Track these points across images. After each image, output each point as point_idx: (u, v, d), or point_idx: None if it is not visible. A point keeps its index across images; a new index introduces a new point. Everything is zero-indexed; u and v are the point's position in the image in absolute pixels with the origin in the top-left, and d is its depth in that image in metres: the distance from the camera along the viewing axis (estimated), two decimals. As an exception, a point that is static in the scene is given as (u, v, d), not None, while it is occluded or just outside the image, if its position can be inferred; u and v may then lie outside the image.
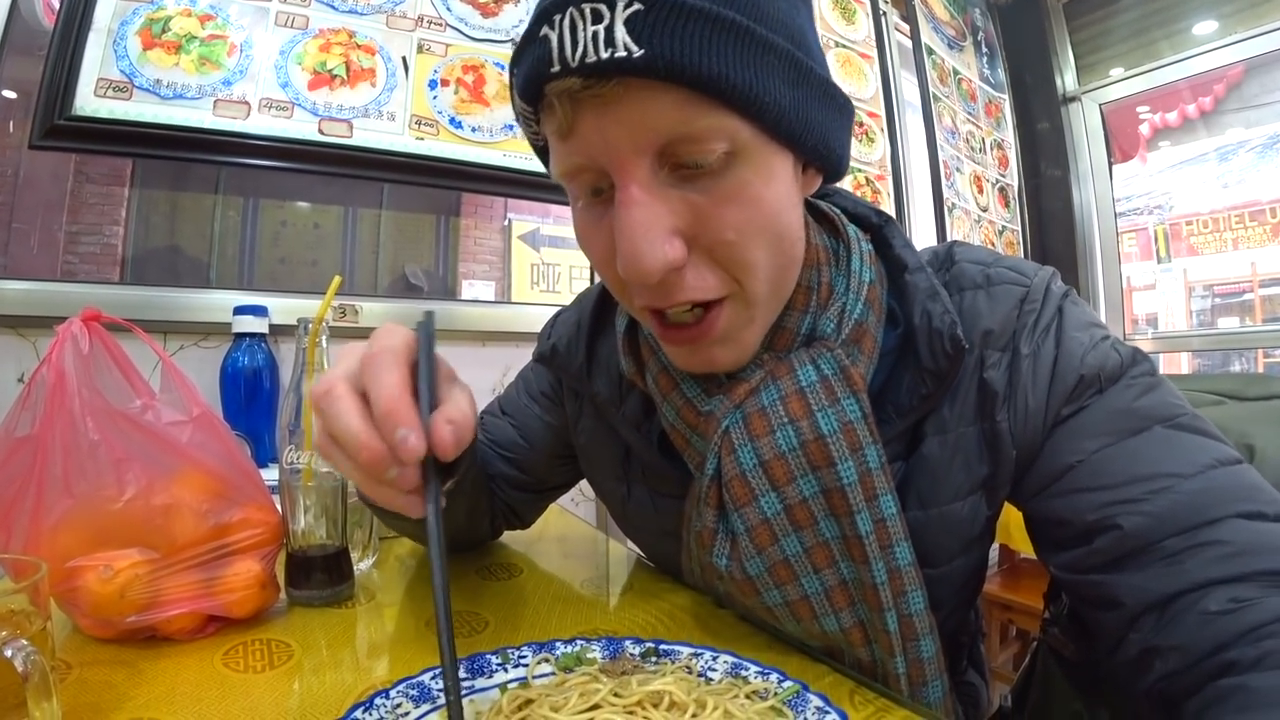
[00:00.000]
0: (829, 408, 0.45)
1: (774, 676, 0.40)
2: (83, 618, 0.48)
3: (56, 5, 1.07)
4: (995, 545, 1.89)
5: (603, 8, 0.36)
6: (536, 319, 1.39)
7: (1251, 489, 0.41)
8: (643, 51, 0.35)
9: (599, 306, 0.62)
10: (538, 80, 0.39)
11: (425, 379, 0.37)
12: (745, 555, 0.46)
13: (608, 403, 0.59)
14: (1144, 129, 2.81)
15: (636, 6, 0.35)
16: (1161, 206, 3.35)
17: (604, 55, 0.35)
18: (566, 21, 0.36)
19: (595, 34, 0.36)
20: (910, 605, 0.45)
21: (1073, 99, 2.65)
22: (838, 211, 0.55)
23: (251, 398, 1.02)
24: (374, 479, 0.36)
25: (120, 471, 0.48)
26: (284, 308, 1.10)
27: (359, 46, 1.25)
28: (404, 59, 1.29)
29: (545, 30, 0.37)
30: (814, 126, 0.42)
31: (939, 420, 0.49)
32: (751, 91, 0.38)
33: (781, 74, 0.40)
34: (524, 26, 1.37)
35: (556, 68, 0.37)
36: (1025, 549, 0.54)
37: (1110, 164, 2.63)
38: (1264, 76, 2.63)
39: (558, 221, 1.60)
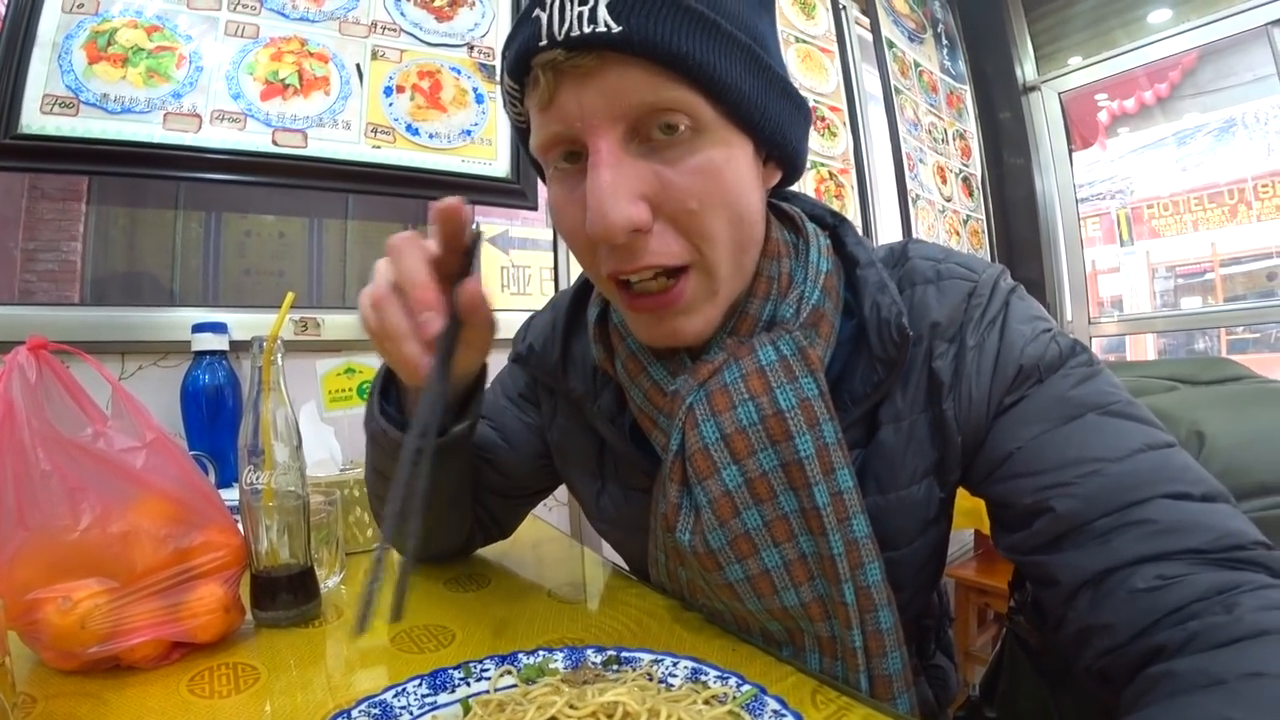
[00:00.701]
0: (787, 385, 0.48)
1: (733, 681, 0.40)
2: (45, 650, 0.48)
3: (2, 10, 1.04)
4: (970, 530, 1.92)
5: None
6: (506, 323, 1.39)
7: (1180, 470, 0.43)
8: (620, 29, 0.40)
9: (573, 307, 0.64)
10: (526, 55, 0.43)
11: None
12: (708, 528, 0.48)
13: (583, 398, 0.61)
14: (1103, 116, 2.87)
15: None
16: (1123, 191, 3.42)
17: (586, 30, 0.40)
18: (557, 3, 0.41)
19: (580, 13, 0.40)
20: (867, 577, 0.47)
21: (1033, 88, 2.70)
22: (797, 210, 0.58)
23: (214, 416, 1.00)
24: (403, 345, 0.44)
25: (75, 501, 0.48)
26: (245, 323, 1.08)
27: (311, 54, 1.22)
28: (358, 66, 1.26)
29: (538, 11, 0.42)
30: (771, 116, 0.46)
31: (893, 409, 0.51)
32: (715, 71, 0.42)
33: (742, 63, 0.44)
34: (480, 29, 1.35)
35: (544, 41, 0.41)
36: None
37: (1071, 151, 2.69)
38: (1218, 63, 2.70)
39: (526, 224, 1.59)
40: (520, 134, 0.51)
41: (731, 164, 0.45)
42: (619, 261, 0.46)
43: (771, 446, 0.47)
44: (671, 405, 0.51)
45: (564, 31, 0.40)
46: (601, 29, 0.40)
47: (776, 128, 0.47)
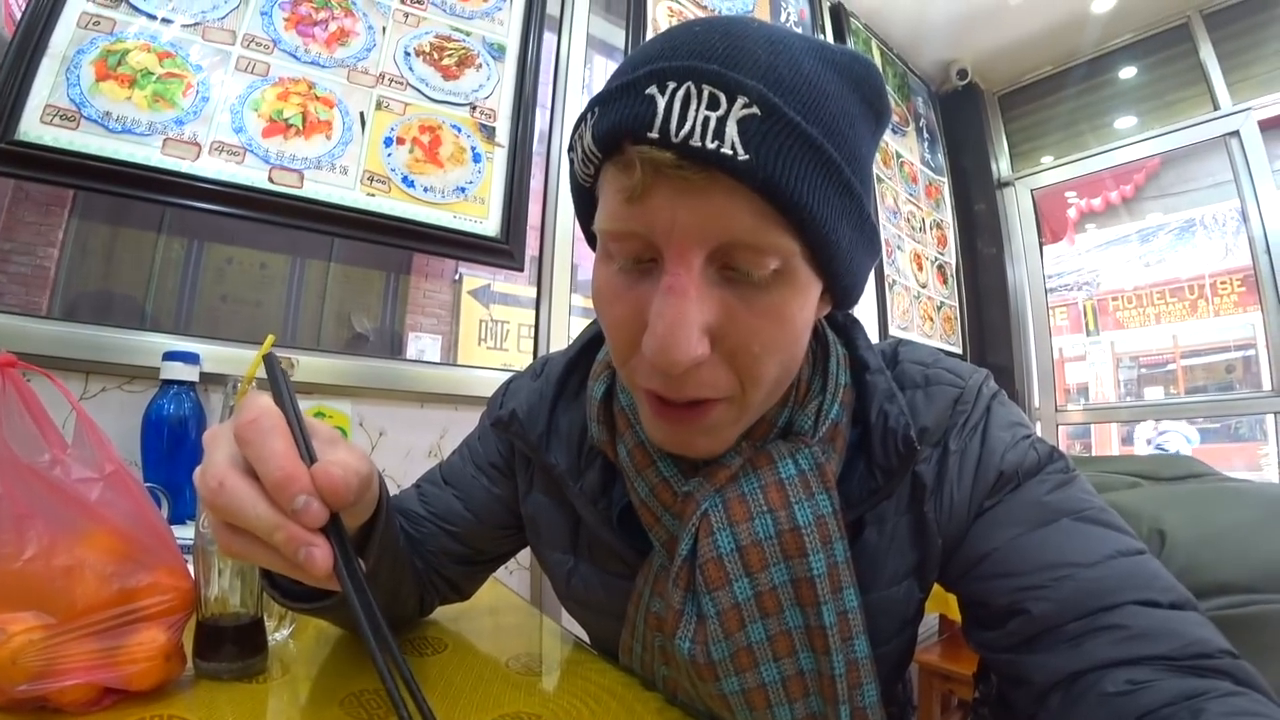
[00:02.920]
0: (805, 501, 0.47)
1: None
2: None
3: (18, 16, 1.05)
4: (935, 615, 1.91)
5: (721, 96, 0.36)
6: (479, 381, 1.40)
7: (1150, 577, 0.44)
8: (747, 157, 0.36)
9: (565, 377, 0.61)
10: (626, 135, 0.38)
11: (295, 429, 0.36)
12: (712, 639, 0.47)
13: (565, 474, 0.58)
14: (1072, 212, 3.01)
15: (754, 110, 0.36)
16: (1089, 283, 3.56)
17: (709, 145, 0.36)
18: (681, 93, 0.37)
19: (706, 120, 0.36)
20: (865, 698, 0.47)
21: (1007, 184, 2.83)
22: None
23: (175, 448, 0.97)
24: (290, 561, 0.34)
25: (22, 528, 0.45)
26: (217, 355, 1.06)
27: (318, 98, 1.24)
28: (361, 114, 1.29)
29: (653, 90, 0.37)
30: (855, 267, 0.44)
31: (878, 510, 0.51)
32: (826, 226, 0.39)
33: (850, 217, 0.41)
34: (484, 91, 1.38)
35: (655, 134, 0.37)
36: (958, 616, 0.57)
37: (1041, 244, 2.81)
38: (1179, 168, 2.87)
39: (509, 279, 1.60)
40: (580, 192, 0.47)
41: (803, 310, 0.43)
42: (663, 387, 0.43)
43: (784, 562, 0.46)
44: (683, 507, 0.49)
45: (681, 135, 0.36)
46: (727, 150, 0.36)
47: (855, 277, 0.45)
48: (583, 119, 0.43)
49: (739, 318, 0.41)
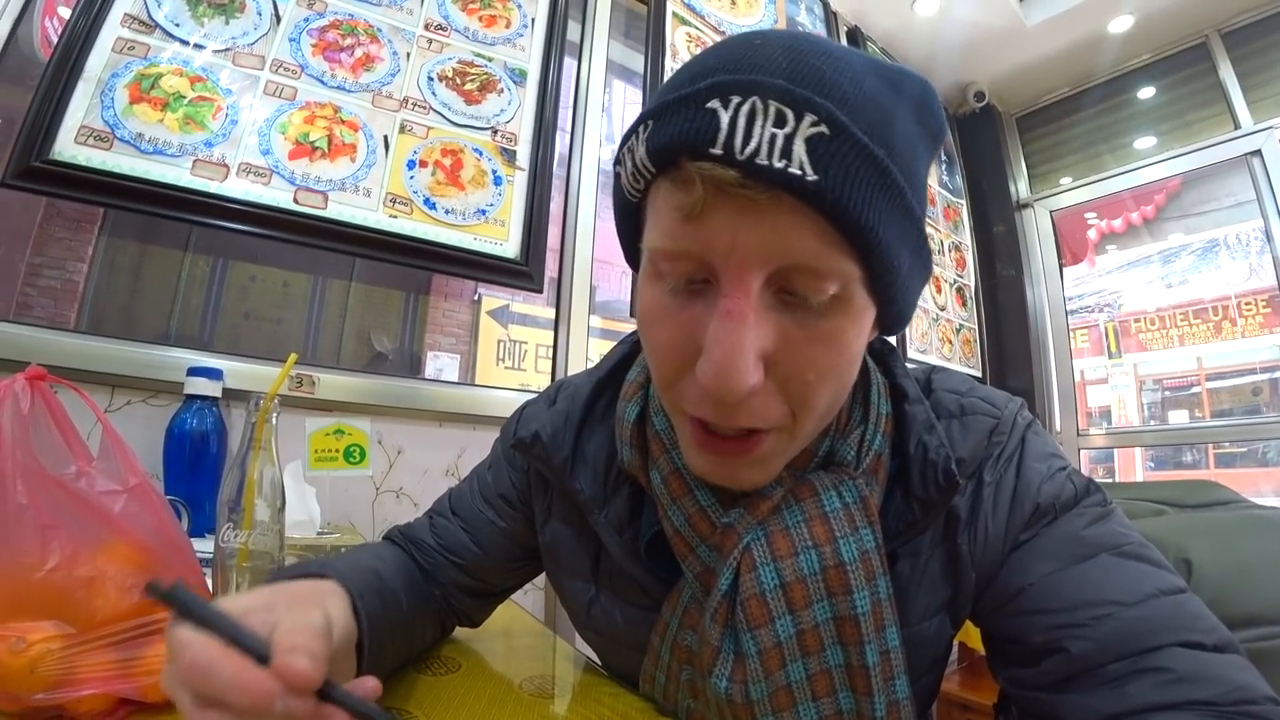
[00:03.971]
0: (850, 536, 0.45)
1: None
2: None
3: (55, 39, 1.09)
4: (955, 643, 1.86)
5: (789, 113, 0.34)
6: (497, 402, 1.41)
7: (1192, 618, 0.43)
8: (816, 178, 0.34)
9: (592, 400, 0.59)
10: (686, 150, 0.36)
11: (229, 637, 0.34)
12: (752, 679, 0.45)
13: (590, 502, 0.55)
14: (1092, 234, 2.98)
15: (823, 129, 0.34)
16: (1110, 305, 3.51)
17: (777, 164, 0.34)
18: (746, 108, 0.35)
19: (774, 137, 0.34)
20: None
21: (1026, 205, 2.81)
22: None
23: (196, 462, 0.99)
24: None
25: (45, 539, 0.46)
26: (240, 372, 1.08)
27: (343, 122, 1.27)
28: (385, 138, 1.31)
29: (715, 104, 0.35)
30: (909, 293, 0.43)
31: (912, 544, 0.50)
32: (889, 251, 0.38)
33: (910, 241, 0.40)
34: (505, 115, 1.39)
35: (719, 151, 0.35)
36: (979, 645, 0.55)
37: (1061, 266, 2.77)
38: (1200, 188, 2.83)
39: (528, 300, 1.62)
40: (624, 206, 0.44)
41: (859, 337, 0.41)
42: (713, 414, 0.41)
43: (828, 599, 0.45)
44: (722, 540, 0.47)
45: (747, 152, 0.34)
46: (795, 170, 0.34)
47: (909, 303, 0.44)
48: (633, 132, 0.40)
49: (795, 344, 0.39)
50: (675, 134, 0.37)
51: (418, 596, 0.60)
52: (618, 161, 0.43)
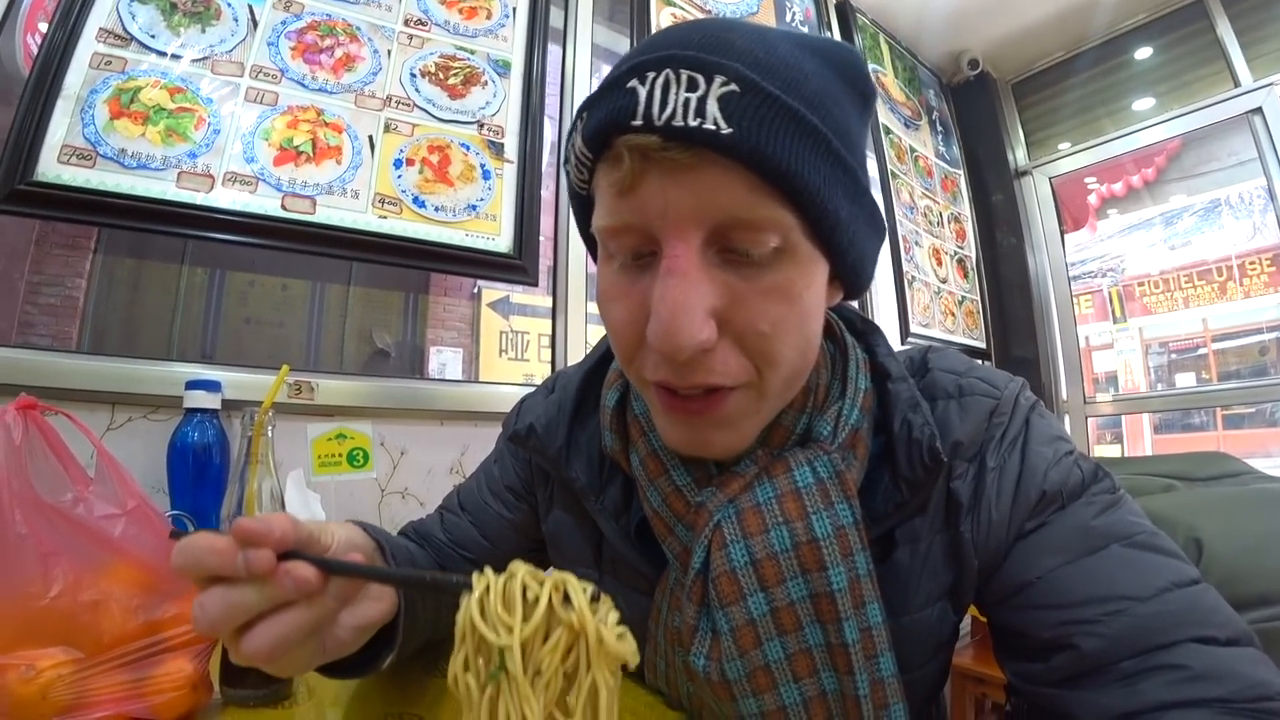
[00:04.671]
0: (824, 511, 0.45)
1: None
2: (2, 717, 0.45)
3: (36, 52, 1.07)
4: (967, 617, 1.86)
5: (699, 78, 0.37)
6: (498, 398, 1.40)
7: (1207, 612, 0.42)
8: (731, 130, 0.36)
9: (583, 389, 0.60)
10: (613, 129, 0.39)
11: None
12: (726, 656, 0.45)
13: (586, 489, 0.56)
14: (1092, 199, 2.95)
15: (733, 87, 0.37)
16: (1114, 269, 3.49)
17: (692, 123, 0.36)
18: (660, 80, 0.37)
19: (687, 100, 0.36)
20: (891, 718, 0.45)
21: (1024, 173, 2.78)
22: (834, 317, 0.55)
23: (200, 474, 0.99)
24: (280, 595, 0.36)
25: (48, 566, 0.46)
26: (239, 382, 1.08)
27: (327, 124, 1.26)
28: (370, 138, 1.30)
29: (634, 83, 0.38)
30: (857, 243, 0.44)
31: (910, 529, 0.49)
32: (820, 195, 0.39)
33: (845, 188, 0.41)
34: (491, 108, 1.38)
35: (639, 121, 0.37)
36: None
37: (1062, 232, 2.75)
38: (1200, 149, 2.80)
39: (527, 291, 1.61)
40: (578, 201, 0.47)
41: (810, 288, 0.42)
42: (672, 375, 0.42)
43: (802, 576, 0.45)
44: (695, 518, 0.48)
45: (664, 117, 0.36)
46: (710, 126, 0.36)
47: (860, 254, 0.44)
48: (574, 127, 0.43)
49: (744, 298, 0.40)
50: (602, 116, 0.39)
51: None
52: (566, 160, 0.45)
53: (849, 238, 0.42)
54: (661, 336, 0.39)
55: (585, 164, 0.42)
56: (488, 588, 0.33)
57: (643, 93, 0.37)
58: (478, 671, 0.32)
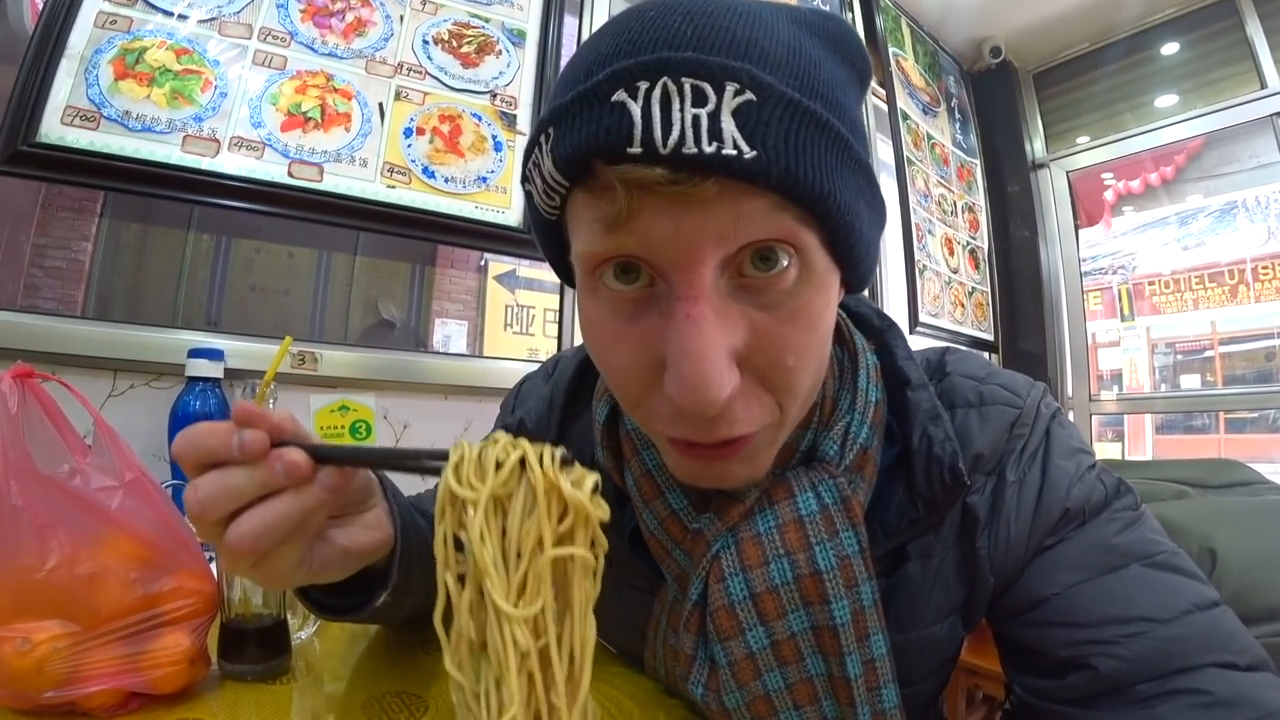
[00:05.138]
0: (827, 541, 0.42)
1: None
2: None
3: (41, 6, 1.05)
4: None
5: (706, 88, 0.30)
6: (502, 373, 1.39)
7: (1227, 636, 0.42)
8: (755, 153, 0.30)
9: (574, 385, 0.57)
10: (600, 156, 0.32)
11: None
12: (725, 688, 0.43)
13: None
14: (1108, 195, 2.92)
15: (748, 96, 0.30)
16: (1125, 267, 3.46)
17: (707, 149, 0.30)
18: (658, 94, 0.30)
19: (696, 119, 0.30)
20: None
21: (1041, 165, 2.74)
22: (843, 315, 0.50)
23: (202, 444, 0.99)
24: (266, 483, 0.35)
25: (44, 539, 0.46)
26: (243, 351, 1.07)
27: (336, 90, 1.24)
28: (380, 105, 1.28)
29: (621, 96, 0.31)
30: (872, 250, 0.40)
31: (923, 543, 0.47)
32: (848, 211, 0.34)
33: (865, 194, 0.36)
34: (504, 78, 1.34)
35: (636, 149, 0.30)
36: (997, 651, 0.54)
37: (1076, 227, 2.72)
38: (1222, 149, 2.76)
39: (534, 264, 1.60)
40: (544, 227, 0.40)
41: (828, 306, 0.38)
42: (692, 431, 0.37)
43: (804, 608, 0.42)
44: (693, 545, 0.45)
45: (671, 144, 0.30)
46: (729, 150, 0.30)
47: (873, 259, 0.41)
48: (535, 144, 0.36)
49: (766, 331, 0.35)
50: (582, 139, 0.32)
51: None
52: (525, 179, 0.39)
53: (865, 247, 0.38)
54: (688, 395, 0.34)
55: (557, 191, 0.35)
56: (463, 457, 0.31)
57: (636, 110, 0.30)
58: (454, 566, 0.32)
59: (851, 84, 0.38)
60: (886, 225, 0.43)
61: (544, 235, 0.41)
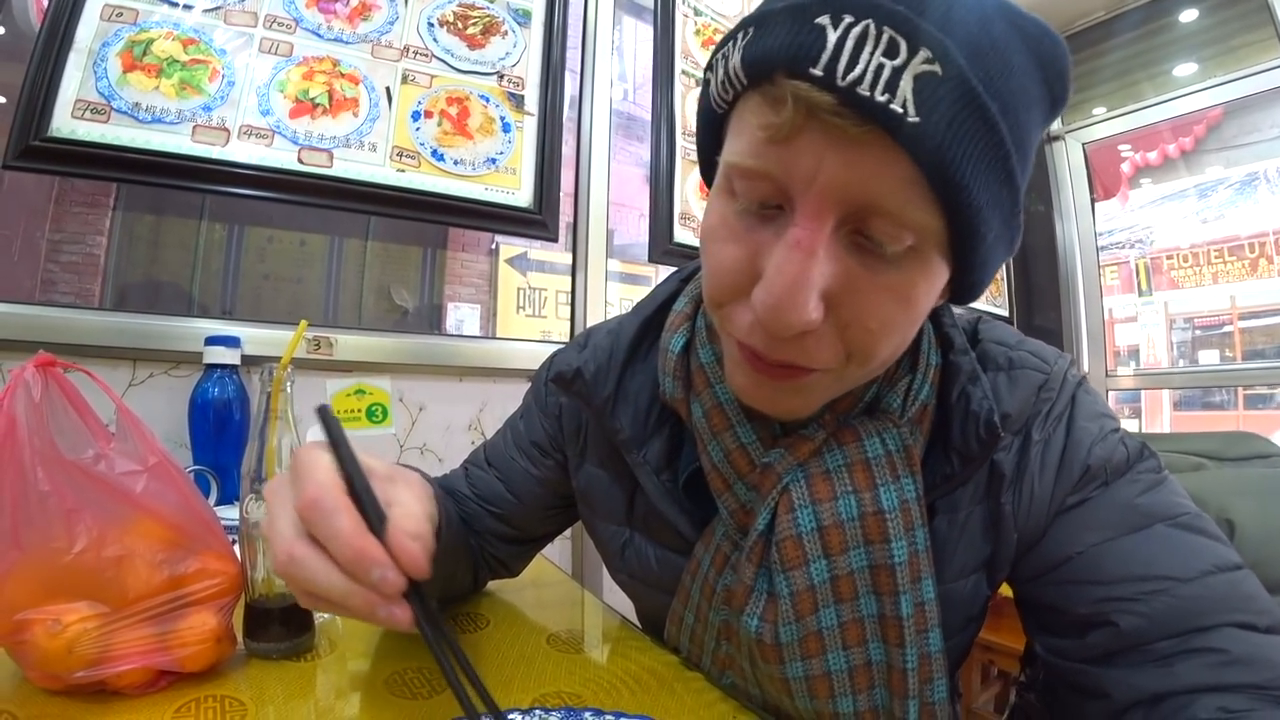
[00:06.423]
0: (890, 484, 0.45)
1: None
2: (30, 670, 0.47)
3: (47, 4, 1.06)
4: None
5: (902, 44, 0.31)
6: (516, 354, 1.40)
7: (1247, 598, 0.42)
8: (918, 120, 0.31)
9: (638, 338, 0.58)
10: (784, 67, 0.33)
11: (361, 492, 0.36)
12: (782, 620, 0.45)
13: (629, 441, 0.55)
14: (1125, 167, 2.86)
15: (935, 68, 0.32)
16: (1142, 241, 3.40)
17: (879, 97, 0.31)
18: (857, 31, 0.32)
19: (880, 67, 0.31)
20: (934, 693, 0.45)
21: (1056, 138, 2.69)
22: None
23: (221, 430, 1.00)
24: (370, 620, 0.35)
25: (71, 523, 0.47)
26: (258, 338, 1.09)
27: (343, 75, 1.23)
28: (388, 89, 1.27)
29: (825, 19, 0.32)
30: (991, 263, 0.40)
31: (951, 499, 0.49)
32: (980, 215, 0.35)
33: (1004, 210, 0.37)
34: (511, 59, 1.34)
35: (819, 72, 0.32)
36: (1005, 589, 0.54)
37: (1093, 200, 2.68)
38: (1242, 118, 2.69)
39: (545, 246, 1.60)
40: (708, 116, 0.42)
41: (928, 294, 0.39)
42: (761, 344, 0.39)
43: (864, 546, 0.45)
44: (761, 479, 0.47)
45: (850, 79, 0.31)
46: (897, 108, 0.31)
47: (988, 272, 0.41)
48: (731, 38, 0.38)
49: (861, 289, 0.37)
50: (775, 46, 0.34)
51: (460, 534, 0.62)
52: (709, 68, 0.41)
53: (984, 257, 0.39)
54: (770, 309, 0.36)
55: (733, 86, 0.37)
56: None
57: (832, 38, 0.32)
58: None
59: (1039, 104, 0.38)
60: (1015, 251, 0.43)
61: (705, 127, 0.43)
